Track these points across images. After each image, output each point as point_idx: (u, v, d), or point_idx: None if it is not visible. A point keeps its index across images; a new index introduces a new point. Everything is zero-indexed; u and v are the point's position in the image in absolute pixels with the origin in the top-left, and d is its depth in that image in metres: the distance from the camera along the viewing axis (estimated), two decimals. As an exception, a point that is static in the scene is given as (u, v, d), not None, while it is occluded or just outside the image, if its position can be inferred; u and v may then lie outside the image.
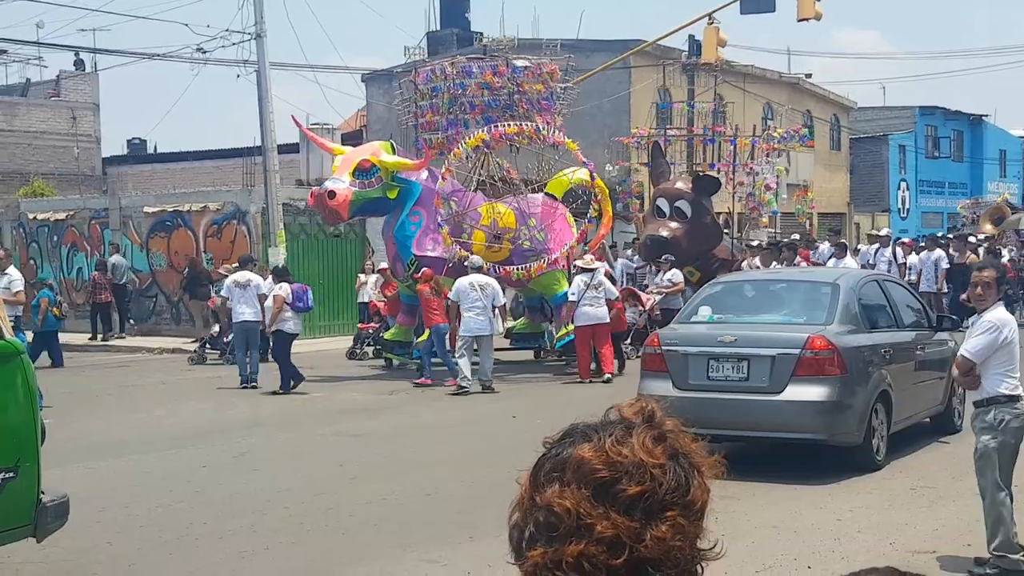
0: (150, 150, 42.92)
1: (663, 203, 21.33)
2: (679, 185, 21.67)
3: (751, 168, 26.05)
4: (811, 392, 9.69)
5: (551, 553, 1.43)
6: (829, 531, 7.96)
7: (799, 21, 23.07)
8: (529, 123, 17.87)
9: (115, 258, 24.82)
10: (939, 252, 22.66)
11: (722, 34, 24.14)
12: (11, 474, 6.45)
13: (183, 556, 7.77)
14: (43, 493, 6.69)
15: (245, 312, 16.51)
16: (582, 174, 18.93)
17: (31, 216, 27.75)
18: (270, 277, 21.67)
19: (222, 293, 18.07)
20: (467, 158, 18.59)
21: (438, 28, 39.89)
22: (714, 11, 24.27)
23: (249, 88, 23.18)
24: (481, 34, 39.77)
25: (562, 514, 1.42)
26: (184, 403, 15.40)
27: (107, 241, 26.02)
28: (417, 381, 16.46)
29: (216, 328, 20.50)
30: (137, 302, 25.68)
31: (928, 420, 11.69)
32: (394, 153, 17.30)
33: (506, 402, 14.74)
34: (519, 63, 18.73)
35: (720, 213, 24.88)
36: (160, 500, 9.40)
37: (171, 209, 25.06)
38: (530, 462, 1.55)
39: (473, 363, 15.71)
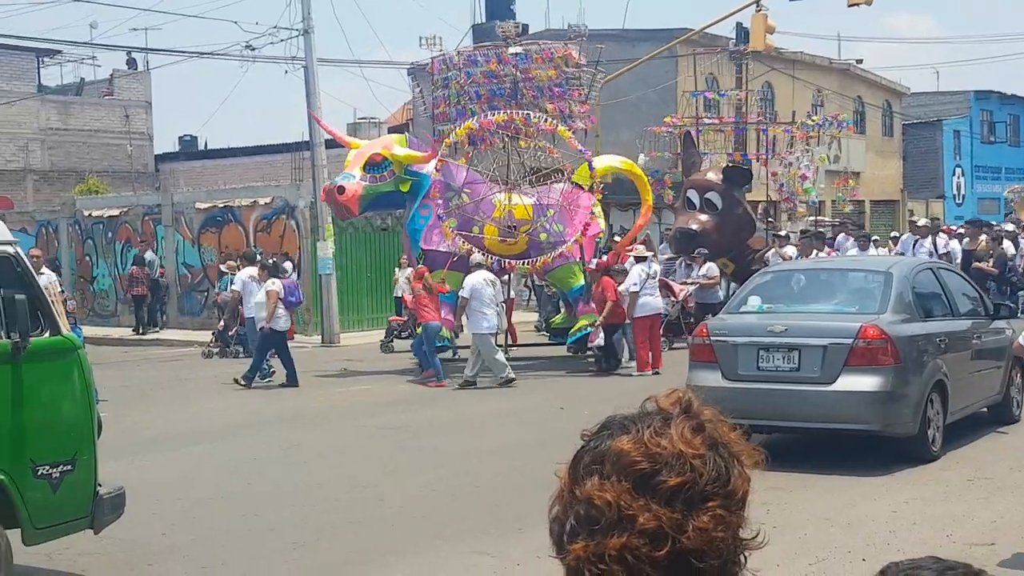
0: (201, 146, 43.41)
1: (693, 195, 21.02)
2: (709, 176, 21.32)
3: (784, 158, 25.75)
4: (864, 382, 9.57)
5: (593, 546, 1.42)
6: (884, 523, 7.86)
7: (849, 6, 22.78)
8: (520, 111, 17.11)
9: (147, 254, 25.29)
10: (981, 238, 22.12)
11: (770, 21, 23.88)
12: (69, 467, 6.56)
13: (235, 547, 7.85)
14: (100, 486, 6.80)
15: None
16: (611, 161, 18.43)
17: (86, 213, 28.16)
18: (288, 264, 21.92)
19: (234, 287, 17.96)
20: (503, 148, 18.04)
21: (484, 20, 39.90)
22: (762, -2, 24.01)
23: (297, 83, 23.39)
24: (525, 25, 39.79)
25: (603, 507, 1.42)
26: (234, 397, 15.54)
27: (159, 237, 26.37)
28: (424, 379, 15.98)
29: (221, 323, 20.78)
30: (189, 297, 26.02)
31: (985, 410, 11.52)
32: (407, 146, 17.09)
33: (551, 394, 14.72)
34: (513, 49, 18.05)
35: (760, 202, 24.65)
36: (213, 492, 9.50)
37: (221, 205, 25.32)
38: (562, 452, 1.54)
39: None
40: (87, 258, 28.02)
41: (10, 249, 6.51)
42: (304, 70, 23.10)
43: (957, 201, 47.10)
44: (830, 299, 10.87)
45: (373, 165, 16.77)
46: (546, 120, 17.03)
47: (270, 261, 17.89)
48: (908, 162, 45.75)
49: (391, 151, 16.82)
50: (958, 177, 47.79)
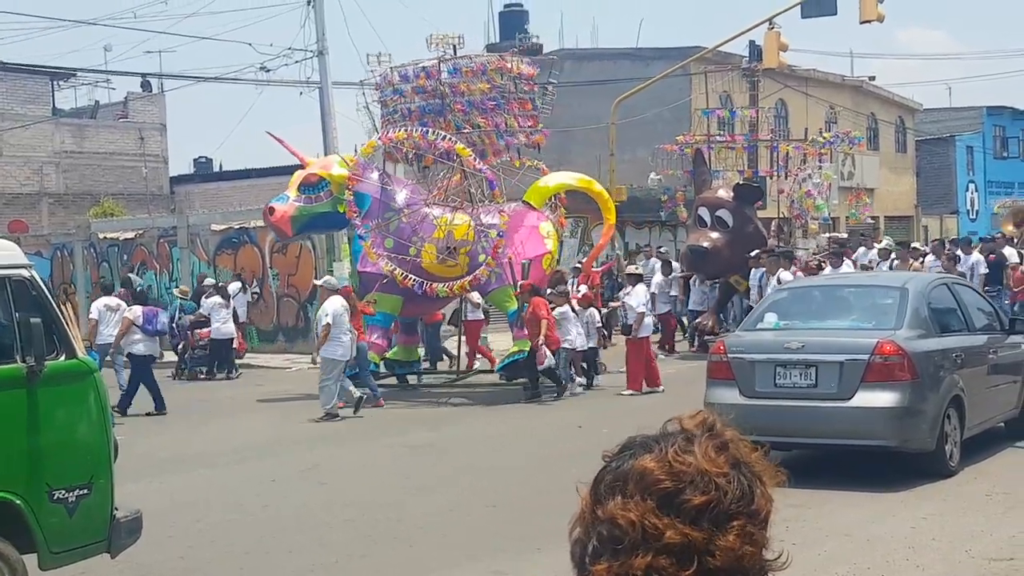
0: (216, 168, 43.57)
1: (704, 212, 20.92)
2: (720, 194, 21.22)
3: (795, 175, 25.61)
4: (881, 398, 9.54)
5: (617, 567, 1.41)
6: (903, 539, 7.81)
7: (862, 23, 22.77)
8: (418, 129, 16.43)
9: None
10: (976, 256, 21.55)
11: (783, 38, 23.91)
12: (85, 491, 6.57)
13: (254, 569, 7.84)
14: (116, 509, 6.80)
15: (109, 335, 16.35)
16: (564, 178, 17.89)
17: (101, 236, 28.27)
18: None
19: (91, 316, 17.58)
20: (448, 167, 17.28)
21: (498, 41, 40.07)
22: (774, 16, 24.06)
23: (312, 104, 23.38)
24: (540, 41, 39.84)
25: (626, 526, 1.41)
26: (250, 417, 15.55)
27: (175, 259, 26.46)
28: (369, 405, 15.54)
29: (180, 345, 21.15)
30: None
31: (1002, 425, 11.45)
32: (349, 166, 16.56)
33: (569, 412, 14.69)
34: (429, 62, 17.31)
35: (772, 219, 24.61)
36: (230, 514, 9.50)
37: (237, 226, 25.36)
38: (594, 472, 1.53)
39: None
40: (102, 281, 28.11)
41: (25, 273, 6.54)
42: (319, 91, 23.21)
43: (971, 216, 46.99)
44: (846, 315, 10.85)
45: (308, 186, 16.47)
46: (444, 138, 16.20)
47: (138, 288, 18.02)
48: (921, 178, 45.71)
49: (328, 171, 16.45)
50: (971, 192, 47.73)
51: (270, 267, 24.46)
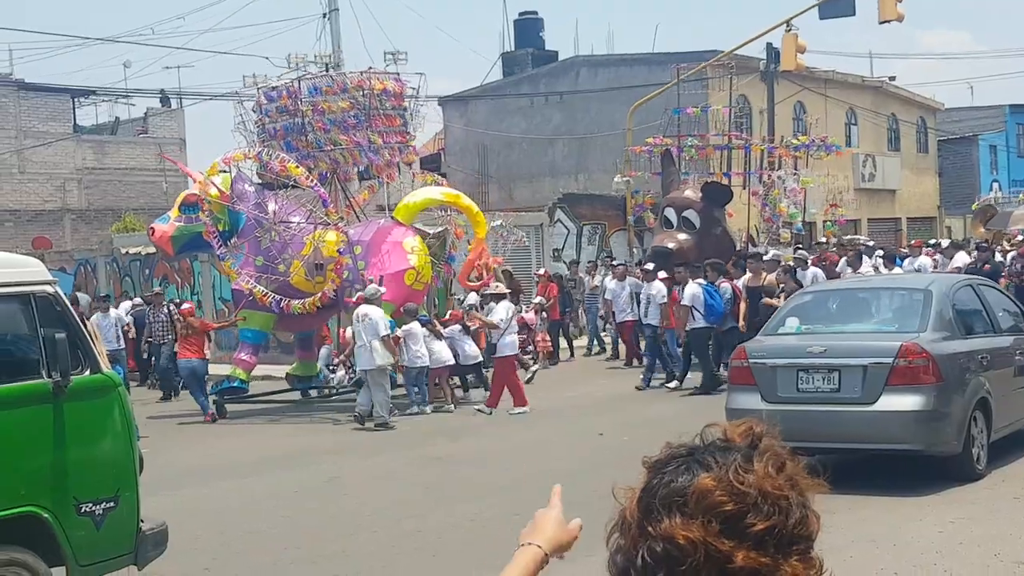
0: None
1: (671, 213, 20.27)
2: (687, 194, 20.52)
3: (765, 176, 25.09)
4: (906, 402, 9.47)
5: None
6: (930, 544, 7.75)
7: (881, 23, 22.66)
8: (253, 149, 16.87)
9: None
10: (924, 260, 21.03)
11: (801, 40, 23.83)
12: (112, 504, 6.61)
13: (278, 581, 7.86)
14: (142, 521, 6.84)
15: None
16: (431, 193, 17.72)
17: (123, 251, 28.44)
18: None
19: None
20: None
21: (513, 49, 40.16)
22: (792, 17, 23.97)
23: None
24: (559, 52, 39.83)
25: (688, 547, 1.39)
26: (272, 430, 15.59)
27: (196, 273, 26.56)
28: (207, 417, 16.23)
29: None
30: (226, 331, 26.11)
31: (1030, 427, 11.35)
32: (229, 187, 16.70)
33: (589, 420, 14.65)
34: (270, 83, 17.57)
35: (748, 225, 24.22)
36: (254, 525, 9.53)
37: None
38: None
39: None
40: (125, 295, 28.25)
41: (49, 289, 6.59)
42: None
43: (995, 216, 46.65)
44: (869, 318, 10.79)
45: (188, 206, 16.66)
46: (277, 157, 16.38)
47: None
48: (944, 178, 45.45)
49: (207, 191, 16.61)
50: (995, 192, 47.37)
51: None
